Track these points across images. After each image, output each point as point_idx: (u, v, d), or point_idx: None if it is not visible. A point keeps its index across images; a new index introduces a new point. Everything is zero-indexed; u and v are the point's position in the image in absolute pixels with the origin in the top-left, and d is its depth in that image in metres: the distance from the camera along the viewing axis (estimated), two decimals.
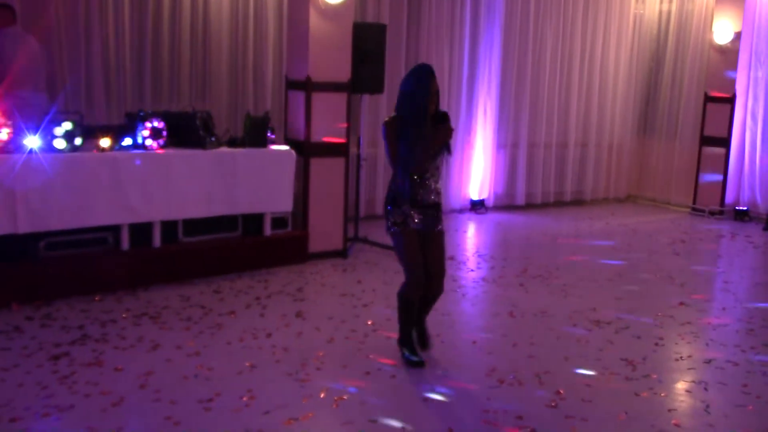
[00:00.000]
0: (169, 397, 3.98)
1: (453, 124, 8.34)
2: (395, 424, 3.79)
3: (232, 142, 6.45)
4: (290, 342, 4.86)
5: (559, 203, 10.49)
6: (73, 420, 3.69)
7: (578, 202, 10.68)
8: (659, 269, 7.17)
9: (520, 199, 10.10)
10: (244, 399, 3.99)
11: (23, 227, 5.33)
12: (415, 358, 4.54)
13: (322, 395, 4.08)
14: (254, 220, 6.60)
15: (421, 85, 4.37)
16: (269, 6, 7.92)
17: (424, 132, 4.35)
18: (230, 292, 5.89)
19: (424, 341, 4.71)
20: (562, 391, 4.24)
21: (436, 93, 4.44)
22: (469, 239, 8.52)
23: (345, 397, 4.06)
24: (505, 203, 10.05)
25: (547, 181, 10.36)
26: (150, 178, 5.86)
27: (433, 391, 4.20)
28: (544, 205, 10.32)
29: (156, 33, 7.41)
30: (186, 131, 6.14)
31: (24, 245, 5.51)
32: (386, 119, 4.48)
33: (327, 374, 4.37)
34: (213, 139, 6.23)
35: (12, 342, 4.65)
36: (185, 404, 3.91)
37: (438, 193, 4.52)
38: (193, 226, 6.27)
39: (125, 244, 5.91)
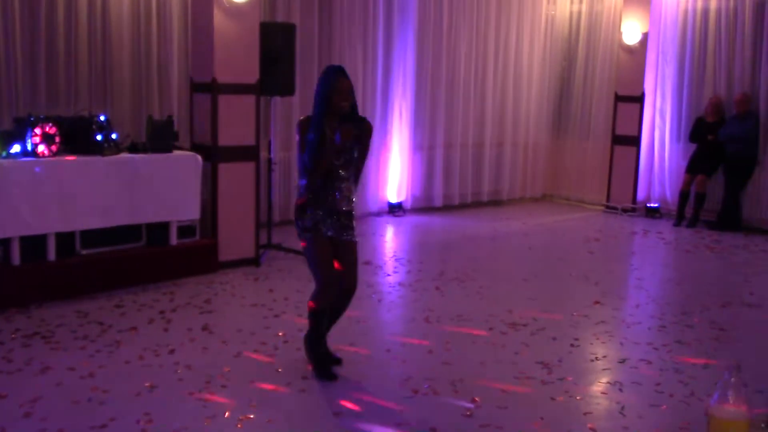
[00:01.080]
0: (57, 425, 3.65)
1: None
2: None
3: (133, 148, 6.11)
4: (195, 358, 4.59)
5: (477, 204, 10.48)
6: None
7: (495, 202, 10.70)
8: (575, 268, 7.18)
9: (438, 201, 10.04)
10: (141, 423, 3.70)
11: None
12: (323, 372, 4.34)
13: (226, 415, 3.83)
14: (159, 230, 6.27)
15: (328, 83, 4.18)
16: (173, 4, 7.57)
17: (325, 131, 4.16)
18: (133, 306, 5.56)
19: (331, 360, 4.48)
20: (477, 399, 4.11)
21: (348, 91, 4.21)
22: (387, 243, 8.38)
23: (251, 416, 3.83)
24: (422, 205, 9.97)
25: (465, 182, 10.32)
26: (42, 188, 5.47)
27: (346, 405, 4.01)
28: (462, 206, 10.29)
29: (50, 31, 6.93)
30: (82, 137, 5.77)
31: None
32: (300, 119, 4.30)
33: (233, 392, 4.12)
34: (111, 144, 5.87)
35: None
36: None
37: (349, 201, 4.31)
38: (93, 237, 5.90)
39: (16, 258, 5.50)
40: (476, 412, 3.96)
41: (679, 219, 9.41)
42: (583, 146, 10.92)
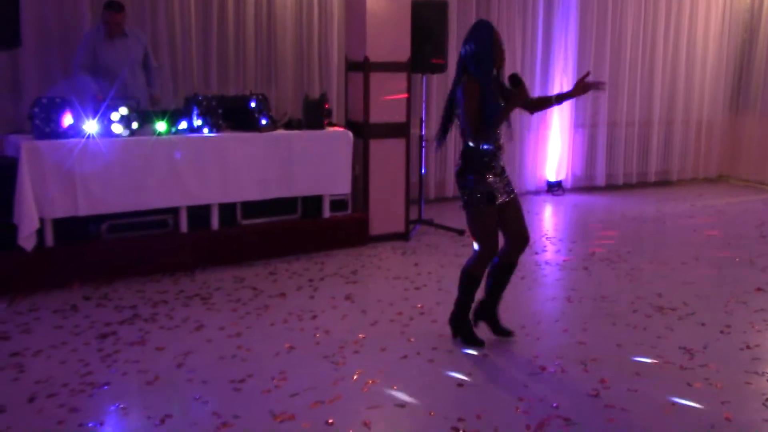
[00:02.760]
0: (202, 377, 4.00)
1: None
2: (424, 409, 3.67)
3: (289, 125, 6.44)
4: (333, 324, 4.81)
5: (643, 184, 10.01)
6: (105, 397, 3.76)
7: (664, 182, 10.17)
8: (741, 253, 6.71)
9: (600, 180, 9.71)
10: (275, 381, 3.96)
11: (83, 210, 5.50)
12: (474, 341, 4.44)
13: (354, 378, 4.01)
14: (314, 203, 6.59)
15: (491, 38, 4.15)
16: None
17: (500, 91, 4.17)
18: (285, 274, 5.90)
19: (502, 329, 4.56)
20: (606, 380, 4.00)
21: (501, 46, 4.20)
22: (542, 221, 8.23)
23: (377, 381, 3.97)
24: (584, 184, 9.69)
25: (629, 161, 9.90)
26: (206, 162, 5.93)
27: (470, 376, 4.05)
28: (627, 186, 9.88)
29: (221, 18, 7.46)
30: (242, 114, 6.17)
31: (87, 227, 5.69)
32: (464, 81, 4.17)
33: (364, 357, 4.29)
34: (268, 121, 6.23)
35: (66, 320, 4.81)
36: (216, 384, 3.91)
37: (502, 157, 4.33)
38: (252, 208, 6.31)
39: (184, 226, 6.01)
40: (603, 393, 3.86)
41: None
42: (765, 123, 10.08)
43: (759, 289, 5.61)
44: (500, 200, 4.26)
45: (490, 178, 4.22)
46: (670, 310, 5.14)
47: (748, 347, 4.52)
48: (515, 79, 4.16)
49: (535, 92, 9.05)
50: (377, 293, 5.47)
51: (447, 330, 4.68)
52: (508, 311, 5.12)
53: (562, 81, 9.21)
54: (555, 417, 3.58)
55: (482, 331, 4.57)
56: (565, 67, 9.21)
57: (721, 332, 4.75)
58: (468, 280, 4.39)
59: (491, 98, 4.10)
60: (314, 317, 4.94)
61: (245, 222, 6.31)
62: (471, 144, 4.19)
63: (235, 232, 6.22)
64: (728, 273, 6.13)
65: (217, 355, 4.29)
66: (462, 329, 4.50)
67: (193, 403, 3.71)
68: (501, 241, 4.40)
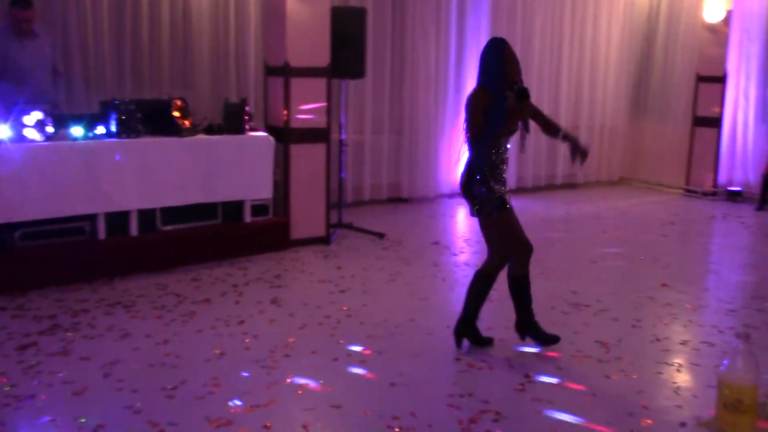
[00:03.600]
0: (133, 385, 3.94)
1: (440, 110, 8.27)
2: (358, 409, 3.75)
3: (209, 130, 6.40)
4: (262, 329, 4.83)
5: (551, 186, 10.42)
6: (32, 410, 3.66)
7: (570, 185, 10.61)
8: (645, 251, 7.10)
9: (511, 183, 10.02)
10: (208, 387, 3.95)
11: None
12: (484, 339, 4.57)
13: (287, 382, 4.04)
14: (234, 208, 6.56)
15: (503, 54, 4.24)
16: None
17: (509, 103, 4.17)
18: (208, 280, 5.86)
19: (546, 336, 4.56)
20: (531, 375, 4.19)
21: (515, 60, 4.31)
22: (457, 224, 8.46)
23: (310, 384, 4.02)
24: None
25: (538, 164, 10.28)
26: (124, 167, 5.82)
27: (401, 376, 4.15)
28: (535, 189, 10.26)
29: (134, 19, 7.33)
30: (161, 119, 6.09)
31: None
32: (473, 91, 4.30)
33: (295, 361, 4.33)
34: (189, 126, 6.17)
35: None
36: (148, 392, 3.87)
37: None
38: (172, 214, 6.23)
39: (102, 233, 5.88)
40: (529, 387, 4.04)
41: (763, 202, 9.13)
42: (663, 128, 10.68)
43: (664, 285, 5.96)
44: (510, 203, 4.34)
45: (496, 186, 4.27)
46: (584, 307, 5.40)
47: (657, 339, 4.81)
48: (521, 93, 4.20)
49: (449, 101, 9.29)
50: (303, 297, 5.50)
51: (376, 331, 4.79)
52: (431, 312, 5.27)
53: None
54: (485, 412, 3.73)
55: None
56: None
57: (633, 326, 5.03)
58: (486, 280, 4.49)
59: (498, 111, 4.14)
60: (242, 322, 4.94)
61: (165, 228, 6.23)
62: (474, 154, 4.27)
63: (154, 238, 6.13)
64: (635, 270, 6.49)
65: (146, 363, 4.24)
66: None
67: (125, 413, 3.66)
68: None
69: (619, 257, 6.91)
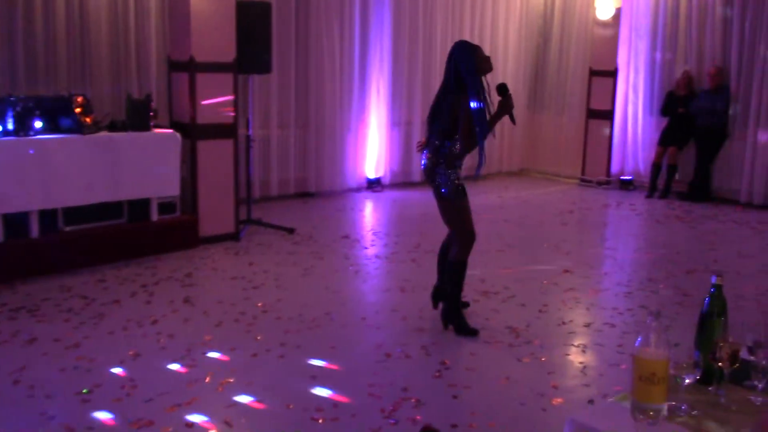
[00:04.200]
0: (45, 391, 3.84)
1: (346, 104, 8.44)
2: (281, 403, 3.78)
3: (113, 127, 6.24)
4: (177, 328, 4.77)
5: None
6: None
7: (474, 176, 10.85)
8: (548, 239, 7.41)
9: (416, 176, 10.17)
10: (126, 388, 3.89)
11: None
12: (468, 330, 4.75)
13: (207, 380, 4.02)
14: (140, 206, 6.42)
15: (474, 54, 4.61)
16: None
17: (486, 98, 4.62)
18: (115, 280, 5.73)
19: (467, 328, 4.79)
20: (447, 362, 4.33)
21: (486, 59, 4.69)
22: (365, 217, 8.57)
23: (231, 380, 4.02)
24: (401, 180, 10.15)
25: None
26: (24, 166, 5.60)
27: (322, 368, 4.21)
28: None
29: (28, 10, 7.03)
30: (62, 116, 5.89)
31: None
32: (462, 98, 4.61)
33: (213, 358, 4.32)
34: (91, 123, 6.00)
35: None
36: (62, 398, 3.78)
37: None
38: (75, 214, 6.04)
39: (0, 235, 5.64)
40: (445, 374, 4.18)
41: (652, 190, 9.66)
42: (559, 121, 11.14)
43: (566, 271, 6.25)
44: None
45: (459, 174, 4.67)
46: (493, 294, 5.60)
47: (563, 323, 5.05)
48: (502, 88, 4.64)
49: (354, 93, 9.37)
50: (216, 294, 5.47)
51: (293, 326, 4.82)
52: (346, 305, 5.35)
53: (378, 82, 9.59)
54: (406, 399, 3.83)
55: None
56: (381, 70, 9.59)
57: (540, 311, 5.26)
58: (459, 267, 4.76)
59: (480, 112, 4.54)
60: (155, 322, 4.87)
61: (68, 228, 6.03)
62: (457, 149, 4.61)
63: (57, 239, 5.93)
64: (539, 257, 6.76)
65: (57, 368, 4.13)
66: (455, 320, 4.78)
67: (39, 420, 3.56)
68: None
69: (523, 246, 7.18)
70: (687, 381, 1.98)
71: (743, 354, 2.06)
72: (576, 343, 4.68)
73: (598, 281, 6.06)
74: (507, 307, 5.33)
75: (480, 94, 4.59)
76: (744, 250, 7.11)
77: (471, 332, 4.75)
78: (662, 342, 1.89)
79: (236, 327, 4.83)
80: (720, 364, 2.02)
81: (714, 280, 2.15)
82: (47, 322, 4.81)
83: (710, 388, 2.10)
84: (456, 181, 4.68)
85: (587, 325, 5.01)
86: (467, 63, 4.59)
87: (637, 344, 1.93)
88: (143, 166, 6.25)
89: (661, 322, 1.92)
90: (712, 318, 2.13)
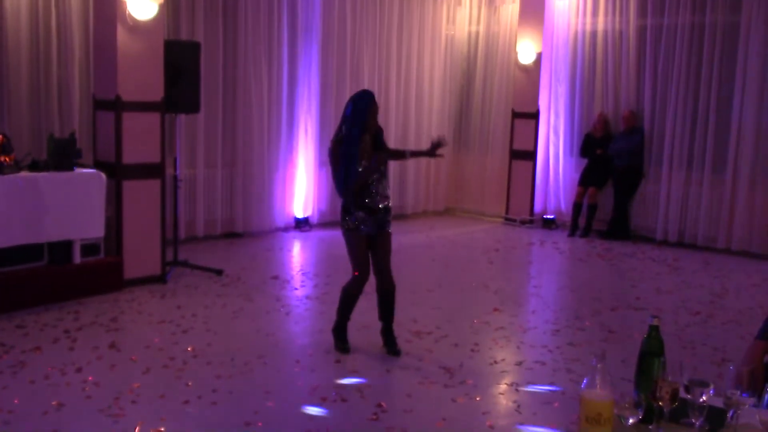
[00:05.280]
0: None
1: (273, 143, 8.55)
2: None
3: (34, 166, 6.04)
4: (103, 376, 4.61)
5: None
6: None
7: (400, 216, 10.96)
8: (475, 278, 7.52)
9: (336, 217, 10.19)
10: None
11: None
12: (342, 346, 5.16)
13: (136, 430, 3.89)
14: (62, 248, 6.21)
15: (366, 106, 4.90)
16: (74, 20, 7.52)
17: (362, 150, 4.89)
18: (35, 326, 5.50)
19: (394, 348, 5.15)
20: (384, 404, 4.32)
21: (375, 113, 4.99)
22: (294, 258, 8.52)
23: (162, 429, 3.90)
24: (329, 219, 10.11)
25: None
26: None
27: (256, 414, 4.13)
28: None
29: None
30: None
31: None
32: (333, 140, 5.03)
33: (143, 407, 4.18)
34: (11, 163, 5.80)
35: None
36: None
37: (386, 197, 5.05)
38: None
39: None
40: (382, 416, 4.16)
41: (573, 229, 9.95)
42: (483, 161, 11.39)
43: (496, 309, 6.35)
44: (365, 231, 4.98)
45: (359, 215, 4.95)
46: (426, 334, 5.64)
47: (495, 362, 5.12)
48: (379, 139, 5.04)
49: (282, 133, 9.36)
50: (143, 339, 5.31)
51: (225, 370, 4.73)
52: (279, 347, 5.29)
53: (306, 122, 9.62)
54: None
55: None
56: (309, 109, 9.63)
57: (472, 350, 5.32)
58: (343, 295, 5.20)
59: (344, 158, 4.87)
60: (79, 370, 4.69)
61: None
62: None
63: None
64: (468, 296, 6.85)
65: None
66: (335, 333, 5.23)
67: None
68: None
69: (451, 285, 7.27)
70: (631, 421, 2.03)
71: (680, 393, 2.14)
72: (509, 382, 4.75)
73: (526, 319, 6.18)
74: (440, 347, 5.37)
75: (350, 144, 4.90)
76: (662, 287, 7.39)
77: (344, 349, 5.13)
78: (607, 383, 1.95)
79: (165, 373, 4.70)
80: (660, 403, 2.09)
81: (651, 321, 2.22)
82: None
83: (650, 427, 2.16)
84: (345, 225, 5.05)
85: (518, 364, 5.09)
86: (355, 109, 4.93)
87: (583, 386, 1.98)
88: (66, 207, 6.07)
89: (606, 364, 1.97)
90: (651, 357, 2.20)
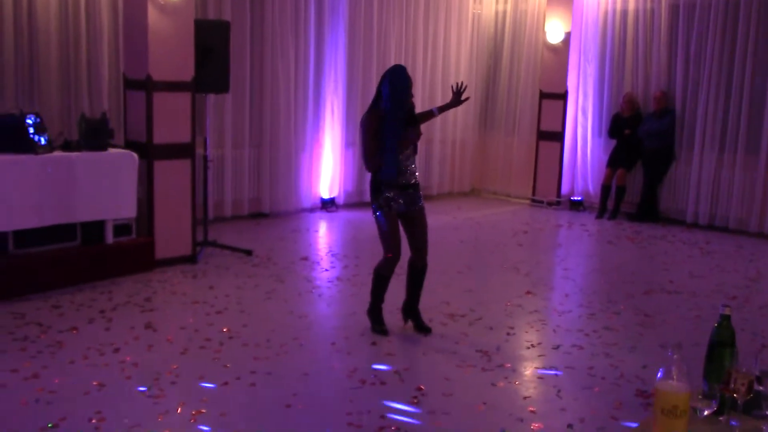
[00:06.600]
0: (6, 426, 3.65)
1: (300, 124, 8.57)
2: None
3: (67, 146, 6.03)
4: (141, 356, 4.61)
5: None
6: None
7: (426, 197, 10.74)
8: (506, 260, 7.46)
9: (362, 197, 10.15)
10: (94, 421, 3.72)
11: None
12: (379, 328, 5.11)
13: (179, 410, 3.89)
14: (95, 228, 6.21)
15: (404, 81, 4.89)
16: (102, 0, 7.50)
17: (403, 129, 4.87)
18: (71, 306, 5.51)
19: (423, 326, 5.20)
20: (422, 387, 4.29)
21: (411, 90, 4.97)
22: (321, 238, 8.49)
23: (203, 411, 3.89)
24: (355, 200, 10.09)
25: None
26: None
27: (295, 396, 4.12)
28: None
29: None
30: (13, 135, 5.67)
31: None
32: (365, 115, 4.95)
33: (182, 388, 4.18)
34: (45, 143, 5.79)
35: None
36: None
37: (414, 174, 5.05)
38: (26, 236, 5.80)
39: None
40: (422, 400, 4.13)
41: (601, 211, 9.85)
42: (509, 142, 11.28)
43: (529, 293, 6.30)
44: (398, 209, 4.97)
45: (391, 193, 4.93)
46: (460, 317, 5.60)
47: (532, 345, 5.08)
48: (413, 117, 5.01)
49: (309, 113, 9.30)
50: (179, 320, 5.31)
51: (262, 352, 4.72)
52: (313, 330, 5.27)
53: (332, 102, 9.55)
54: (385, 427, 3.77)
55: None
56: (335, 90, 9.56)
57: (508, 334, 5.28)
58: (375, 277, 5.14)
59: (387, 135, 4.81)
60: (117, 350, 4.69)
61: (18, 251, 5.79)
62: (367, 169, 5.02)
63: (6, 263, 5.68)
64: (499, 279, 6.80)
65: (17, 401, 3.93)
66: (370, 315, 5.19)
67: None
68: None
69: (482, 267, 7.22)
70: (705, 413, 1.98)
71: None
72: (547, 366, 4.70)
73: (560, 303, 6.12)
74: (475, 330, 5.33)
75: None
76: (695, 270, 7.29)
77: (381, 332, 5.10)
78: (683, 375, 1.89)
79: (203, 354, 4.69)
80: (735, 394, 2.03)
81: (722, 310, 2.16)
82: (1, 352, 4.58)
83: (721, 418, 2.11)
84: (376, 204, 5.01)
85: (556, 348, 5.04)
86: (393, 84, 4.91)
87: (658, 377, 1.92)
88: (99, 187, 6.06)
89: (682, 355, 1.92)
90: (722, 348, 2.14)
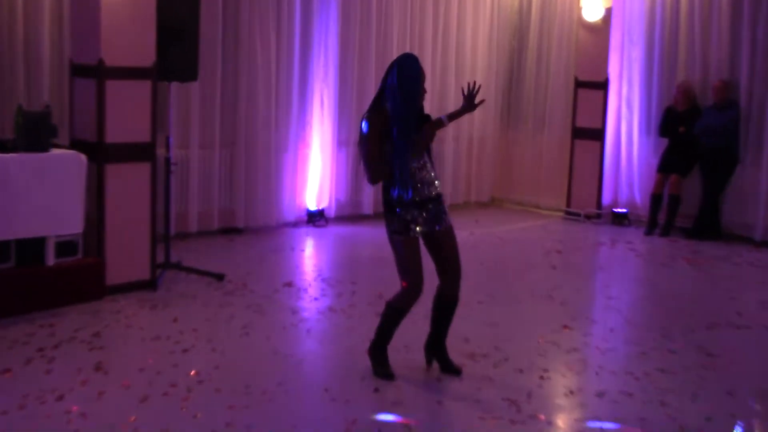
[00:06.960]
0: None
1: (282, 118, 8.56)
2: None
3: (1, 147, 6.04)
4: (90, 405, 4.59)
5: None
6: None
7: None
8: (536, 287, 7.46)
9: (368, 208, 10.19)
10: None
11: None
12: (383, 371, 5.10)
13: None
14: (32, 246, 6.21)
15: (417, 74, 4.89)
16: None
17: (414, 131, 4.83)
18: (2, 343, 5.50)
19: (452, 367, 5.21)
20: None
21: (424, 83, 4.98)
22: (308, 260, 8.51)
23: None
24: (349, 213, 10.12)
25: None
26: None
27: None
28: None
29: None
30: None
31: None
32: (367, 115, 4.92)
33: None
34: None
35: None
36: None
37: (434, 184, 5.00)
38: None
39: None
40: None
41: (651, 226, 9.88)
42: (538, 141, 11.32)
43: (566, 327, 6.30)
44: (418, 233, 4.93)
45: (407, 214, 4.88)
46: (482, 357, 5.59)
47: (571, 392, 5.07)
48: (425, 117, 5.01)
49: (293, 107, 9.33)
50: (136, 360, 5.30)
51: (239, 400, 4.71)
52: (302, 373, 5.26)
53: (322, 92, 9.57)
54: None
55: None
56: (325, 77, 9.58)
57: (541, 378, 5.27)
58: (390, 311, 5.11)
59: (395, 139, 4.78)
60: (60, 398, 4.67)
61: None
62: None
63: None
64: (529, 310, 6.81)
65: None
66: (372, 355, 5.16)
67: None
68: None
69: (507, 295, 7.22)
70: None
71: None
72: (590, 418, 4.69)
73: (604, 339, 6.12)
74: (501, 374, 5.32)
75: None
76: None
77: (386, 375, 5.08)
78: None
79: (167, 402, 4.68)
80: None
81: None
82: None
83: None
84: (391, 228, 4.98)
85: (600, 395, 5.03)
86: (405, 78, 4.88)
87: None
88: (38, 196, 6.06)
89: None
90: None
